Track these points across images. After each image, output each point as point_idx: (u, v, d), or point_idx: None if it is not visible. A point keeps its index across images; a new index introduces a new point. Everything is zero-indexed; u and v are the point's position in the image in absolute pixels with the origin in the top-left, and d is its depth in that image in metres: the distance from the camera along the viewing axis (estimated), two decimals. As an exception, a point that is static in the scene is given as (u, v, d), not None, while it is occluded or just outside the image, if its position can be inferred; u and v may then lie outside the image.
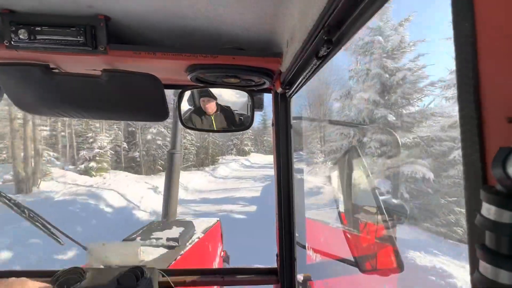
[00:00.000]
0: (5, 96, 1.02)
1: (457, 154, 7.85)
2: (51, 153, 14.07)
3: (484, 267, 0.22)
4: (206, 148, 25.90)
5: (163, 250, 1.97)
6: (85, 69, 1.02)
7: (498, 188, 0.22)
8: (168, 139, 17.04)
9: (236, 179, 17.32)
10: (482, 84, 0.26)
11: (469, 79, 0.26)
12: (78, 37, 0.82)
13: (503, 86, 0.24)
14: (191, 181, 14.32)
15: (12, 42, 0.82)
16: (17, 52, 0.86)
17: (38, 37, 0.82)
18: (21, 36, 0.81)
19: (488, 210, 0.22)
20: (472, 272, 0.25)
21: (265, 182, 15.87)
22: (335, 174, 1.27)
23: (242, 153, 39.08)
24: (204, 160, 24.88)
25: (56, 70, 0.90)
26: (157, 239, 2.08)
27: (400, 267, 0.93)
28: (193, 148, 23.14)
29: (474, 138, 0.26)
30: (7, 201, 1.20)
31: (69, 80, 0.88)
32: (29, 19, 0.81)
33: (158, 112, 0.97)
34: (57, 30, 0.82)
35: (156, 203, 9.54)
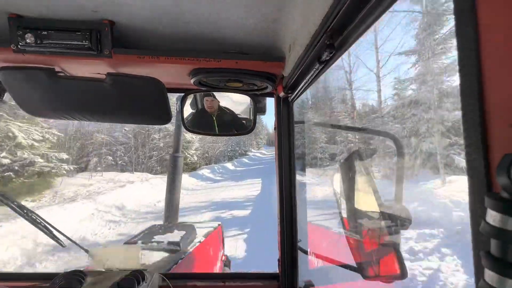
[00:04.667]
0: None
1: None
2: None
3: (490, 275, 0.22)
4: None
5: (164, 254, 1.96)
6: (90, 73, 1.03)
7: (503, 195, 0.21)
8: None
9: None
10: (486, 90, 0.25)
11: (473, 85, 0.26)
12: (84, 41, 0.84)
13: (507, 92, 0.24)
14: None
15: (19, 46, 0.83)
16: (24, 56, 0.87)
17: (45, 41, 0.83)
18: (28, 40, 0.82)
19: (493, 217, 0.22)
20: (477, 281, 0.24)
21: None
22: (338, 178, 1.26)
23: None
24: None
25: (62, 74, 0.91)
26: (158, 242, 2.07)
27: (403, 274, 0.91)
28: None
29: (478, 145, 0.25)
30: (10, 204, 1.21)
31: (74, 83, 0.89)
32: (36, 23, 0.83)
33: (161, 115, 0.98)
34: (63, 35, 0.83)
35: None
